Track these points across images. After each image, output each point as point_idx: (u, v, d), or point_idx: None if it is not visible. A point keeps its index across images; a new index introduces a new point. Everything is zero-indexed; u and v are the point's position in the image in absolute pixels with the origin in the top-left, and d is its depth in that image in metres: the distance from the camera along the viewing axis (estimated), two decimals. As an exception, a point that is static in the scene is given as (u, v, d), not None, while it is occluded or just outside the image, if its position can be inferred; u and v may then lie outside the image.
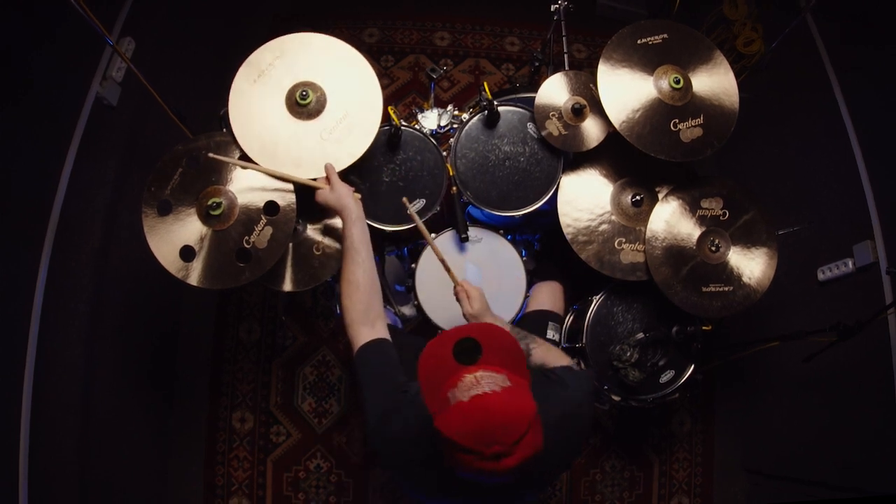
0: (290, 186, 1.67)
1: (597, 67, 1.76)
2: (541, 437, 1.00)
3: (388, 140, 1.89)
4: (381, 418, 1.23)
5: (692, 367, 1.97)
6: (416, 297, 1.94)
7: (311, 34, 1.70)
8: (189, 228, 1.64)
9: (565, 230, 1.87)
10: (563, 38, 2.15)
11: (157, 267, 1.62)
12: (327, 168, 1.63)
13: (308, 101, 1.65)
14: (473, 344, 1.03)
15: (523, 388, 1.01)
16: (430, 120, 2.04)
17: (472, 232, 1.94)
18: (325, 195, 1.59)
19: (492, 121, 1.92)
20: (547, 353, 1.53)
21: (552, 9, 2.14)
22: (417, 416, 1.16)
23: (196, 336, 2.63)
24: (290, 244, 1.83)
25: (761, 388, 2.59)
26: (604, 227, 1.88)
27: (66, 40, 1.88)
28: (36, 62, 1.79)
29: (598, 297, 1.97)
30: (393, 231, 1.93)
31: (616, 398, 1.97)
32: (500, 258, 1.98)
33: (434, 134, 2.02)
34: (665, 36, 1.79)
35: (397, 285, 2.22)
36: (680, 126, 1.75)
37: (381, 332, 1.40)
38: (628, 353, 1.87)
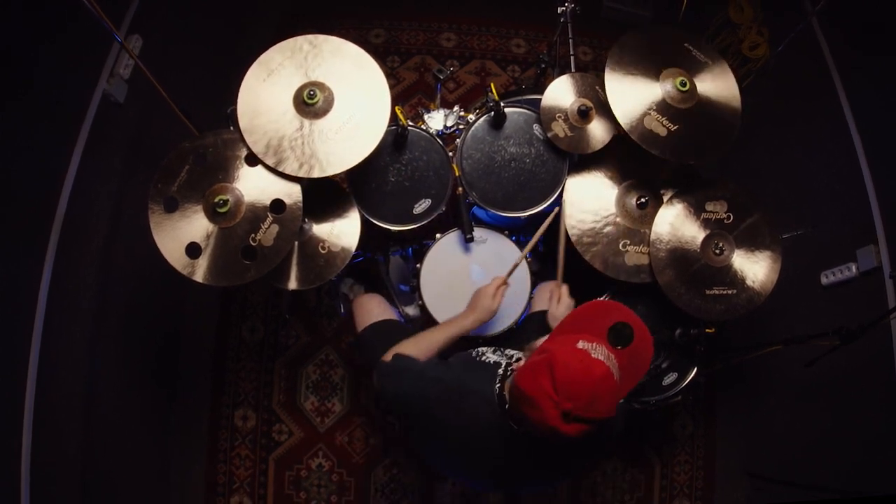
0: (298, 187, 1.67)
1: (603, 70, 1.77)
2: (598, 433, 1.08)
3: (395, 140, 1.90)
4: (418, 374, 1.39)
5: (695, 369, 1.97)
6: (420, 297, 1.95)
7: (322, 36, 1.71)
8: (195, 225, 1.64)
9: (570, 232, 1.87)
10: (570, 40, 2.16)
11: (161, 265, 1.63)
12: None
13: (315, 100, 1.65)
14: (629, 335, 1.12)
15: (622, 391, 1.11)
16: (437, 120, 2.04)
17: (478, 233, 1.95)
18: (489, 299, 1.68)
19: (498, 122, 1.93)
20: None
21: (558, 11, 2.15)
22: (452, 371, 1.36)
23: (199, 334, 2.63)
24: (296, 242, 1.84)
25: (763, 391, 2.59)
26: (608, 228, 1.89)
27: (74, 37, 1.88)
28: (43, 58, 1.80)
29: (601, 298, 1.98)
30: (398, 231, 1.94)
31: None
32: (504, 259, 1.98)
33: (440, 134, 2.02)
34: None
35: (401, 285, 2.22)
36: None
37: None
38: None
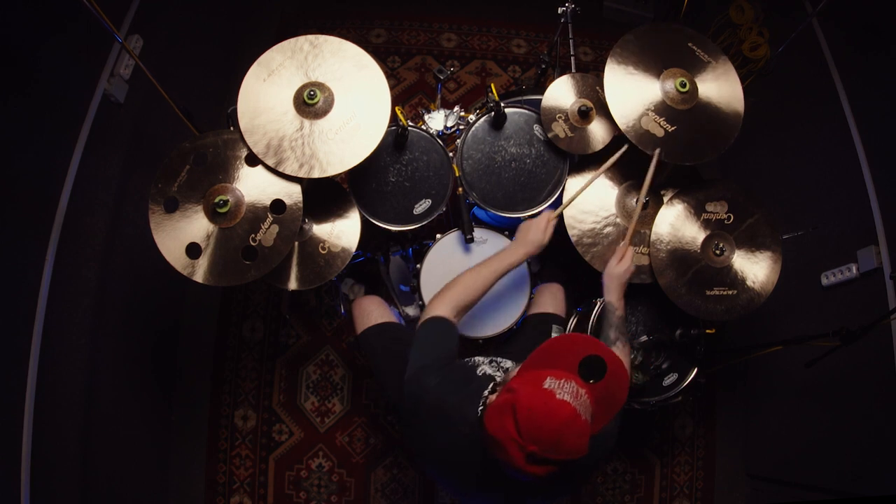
0: (298, 187, 1.67)
1: (603, 70, 1.77)
2: (568, 471, 1.05)
3: (395, 140, 1.90)
4: (421, 370, 1.34)
5: (695, 370, 1.97)
6: (420, 298, 1.95)
7: (323, 36, 1.71)
8: (196, 226, 1.64)
9: (570, 232, 1.87)
10: (570, 41, 2.16)
11: (161, 264, 1.63)
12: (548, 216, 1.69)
13: (315, 100, 1.66)
14: (601, 369, 1.08)
15: (595, 427, 1.07)
16: (437, 121, 2.05)
17: (478, 233, 1.95)
18: (540, 233, 1.64)
19: (498, 122, 1.93)
20: None
21: (559, 11, 2.15)
22: (448, 383, 1.29)
23: (199, 334, 2.63)
24: (296, 243, 1.84)
25: (764, 392, 2.59)
26: (608, 229, 1.89)
27: (76, 37, 1.89)
28: (44, 59, 1.80)
29: (601, 299, 1.97)
30: (398, 231, 1.94)
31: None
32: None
33: (440, 135, 2.02)
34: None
35: (402, 285, 2.23)
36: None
37: (455, 322, 1.48)
38: (632, 356, 1.86)
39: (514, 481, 1.13)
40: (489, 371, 1.41)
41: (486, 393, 1.24)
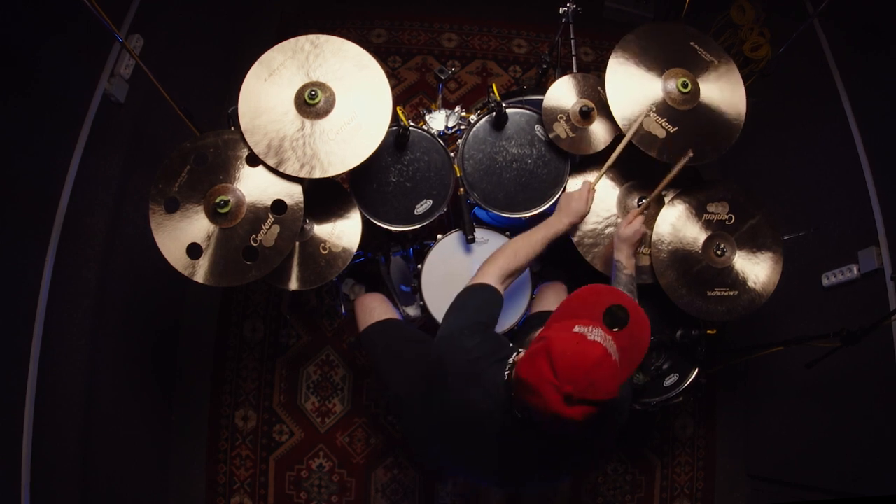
0: (299, 187, 1.67)
1: (604, 70, 1.77)
2: (604, 416, 1.09)
3: (396, 140, 1.90)
4: (460, 330, 1.37)
5: (696, 371, 1.97)
6: (421, 298, 1.95)
7: (324, 36, 1.70)
8: (196, 226, 1.64)
9: (571, 233, 1.87)
10: (571, 41, 2.15)
11: (161, 264, 1.63)
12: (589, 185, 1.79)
13: (317, 100, 1.65)
14: (625, 317, 1.14)
15: (623, 373, 1.13)
16: (438, 121, 2.04)
17: (479, 233, 1.95)
18: (581, 202, 1.75)
19: (500, 122, 1.93)
20: None
21: (560, 11, 2.15)
22: (486, 346, 1.32)
23: (199, 333, 2.63)
24: (297, 243, 1.84)
25: (764, 392, 2.59)
26: (610, 230, 1.89)
27: (75, 37, 1.88)
28: (44, 58, 1.80)
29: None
30: (399, 231, 1.94)
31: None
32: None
33: (442, 135, 2.02)
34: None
35: (403, 286, 2.22)
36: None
37: (502, 291, 1.52)
38: (633, 356, 1.86)
39: (536, 446, 1.21)
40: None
41: (511, 360, 1.27)
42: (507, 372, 1.25)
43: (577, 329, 1.10)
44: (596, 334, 1.09)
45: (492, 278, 1.50)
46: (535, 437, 1.23)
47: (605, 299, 1.15)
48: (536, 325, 1.94)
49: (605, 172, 1.81)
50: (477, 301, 1.47)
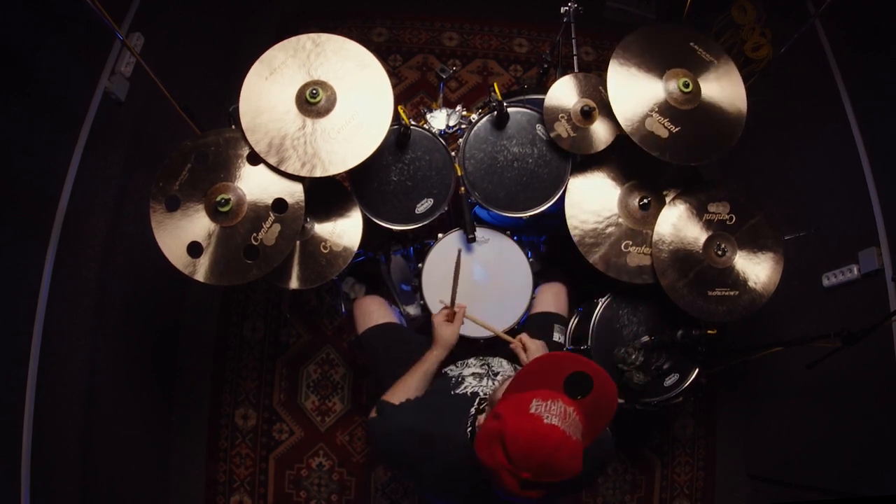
0: (300, 186, 1.67)
1: (606, 70, 1.76)
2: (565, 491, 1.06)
3: (397, 139, 1.89)
4: (391, 415, 1.40)
5: (696, 371, 1.97)
6: (421, 297, 1.94)
7: (325, 35, 1.70)
8: (197, 224, 1.64)
9: (572, 232, 1.87)
10: (573, 40, 2.15)
11: (161, 263, 1.62)
12: (461, 308, 1.73)
13: (318, 99, 1.65)
14: (587, 384, 1.06)
15: (587, 440, 1.07)
16: (439, 120, 2.04)
17: (479, 233, 1.95)
18: (446, 329, 1.68)
19: (501, 122, 1.93)
20: None
21: (561, 11, 2.14)
22: (427, 413, 1.33)
23: (199, 333, 2.63)
24: (298, 242, 1.83)
25: (764, 393, 2.59)
26: (611, 229, 1.88)
27: (76, 36, 1.88)
28: (45, 56, 1.79)
29: (603, 299, 1.97)
30: (400, 231, 1.93)
31: (620, 401, 1.97)
32: (506, 259, 1.98)
33: (443, 134, 2.02)
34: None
35: (403, 285, 2.22)
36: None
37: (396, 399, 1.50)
38: (633, 356, 1.86)
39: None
40: (473, 385, 1.42)
41: (473, 411, 1.25)
42: (469, 428, 1.23)
43: (533, 408, 1.02)
44: (554, 413, 1.01)
45: (395, 400, 1.49)
46: None
47: (564, 366, 1.07)
48: (536, 325, 1.95)
49: (454, 295, 1.78)
50: (386, 409, 1.46)
